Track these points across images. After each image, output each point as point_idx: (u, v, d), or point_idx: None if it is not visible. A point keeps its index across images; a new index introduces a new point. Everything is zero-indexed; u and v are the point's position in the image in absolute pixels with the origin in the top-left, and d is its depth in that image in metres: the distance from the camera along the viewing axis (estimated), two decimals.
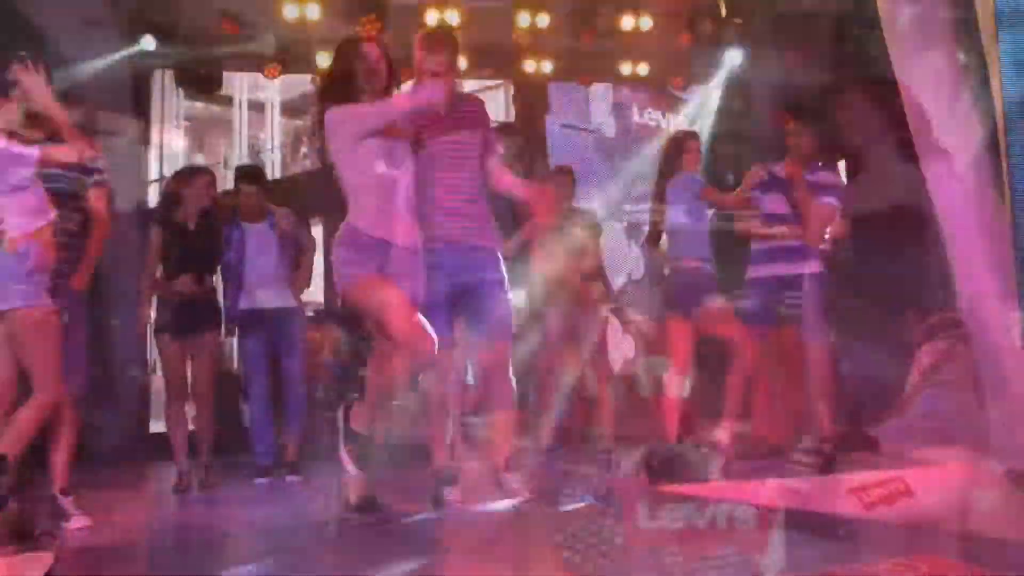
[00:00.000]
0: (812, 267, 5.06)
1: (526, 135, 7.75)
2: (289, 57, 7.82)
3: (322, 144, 3.74)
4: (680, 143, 5.25)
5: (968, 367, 5.29)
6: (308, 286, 5.79)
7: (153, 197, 7.73)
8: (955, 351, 5.48)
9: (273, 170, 9.46)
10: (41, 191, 3.72)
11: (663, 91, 8.93)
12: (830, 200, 5.09)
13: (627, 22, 8.03)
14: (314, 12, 7.47)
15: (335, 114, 3.63)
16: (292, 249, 5.54)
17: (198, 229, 5.25)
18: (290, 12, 7.43)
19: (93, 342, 4.76)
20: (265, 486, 5.24)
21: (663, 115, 9.12)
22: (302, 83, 10.10)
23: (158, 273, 5.25)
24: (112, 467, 6.01)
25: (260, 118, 10.32)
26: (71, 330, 4.01)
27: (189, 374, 5.28)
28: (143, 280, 5.27)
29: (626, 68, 8.40)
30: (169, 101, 9.64)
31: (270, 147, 10.05)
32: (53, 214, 3.75)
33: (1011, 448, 4.25)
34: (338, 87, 3.70)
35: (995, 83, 4.55)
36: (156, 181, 8.64)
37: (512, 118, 8.85)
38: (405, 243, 3.69)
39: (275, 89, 10.17)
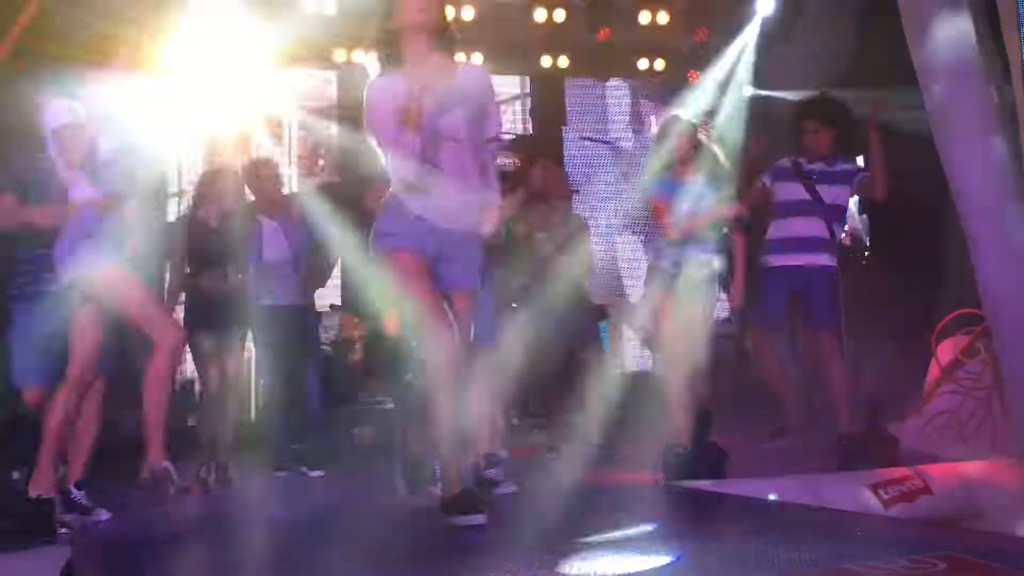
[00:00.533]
0: (825, 260, 5.01)
1: (543, 146, 7.80)
2: (307, 52, 7.83)
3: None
4: (664, 129, 4.80)
5: (989, 364, 5.25)
6: (322, 285, 5.82)
7: (171, 210, 7.77)
8: (975, 348, 5.44)
9: (290, 183, 9.54)
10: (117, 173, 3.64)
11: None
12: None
13: (644, 16, 8.02)
14: (331, 7, 7.50)
15: (375, 91, 3.27)
16: (309, 245, 5.56)
17: (220, 226, 5.31)
18: (308, 5, 7.47)
19: (113, 338, 4.81)
20: (283, 480, 5.26)
21: None
22: (319, 97, 10.16)
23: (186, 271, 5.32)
24: (129, 461, 6.04)
25: (276, 132, 10.42)
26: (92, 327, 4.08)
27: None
28: (171, 278, 5.33)
29: (643, 63, 8.38)
30: None
31: (288, 160, 10.12)
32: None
33: None
34: (386, 29, 3.30)
35: (1016, 80, 4.53)
36: (175, 194, 8.69)
37: (529, 130, 8.85)
38: (455, 225, 3.29)
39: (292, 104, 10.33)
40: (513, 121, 9.07)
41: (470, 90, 3.29)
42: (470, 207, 3.30)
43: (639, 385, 7.17)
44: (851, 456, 4.39)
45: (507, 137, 8.44)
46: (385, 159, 3.31)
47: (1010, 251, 4.78)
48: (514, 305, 5.44)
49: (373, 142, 3.31)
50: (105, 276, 3.47)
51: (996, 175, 4.76)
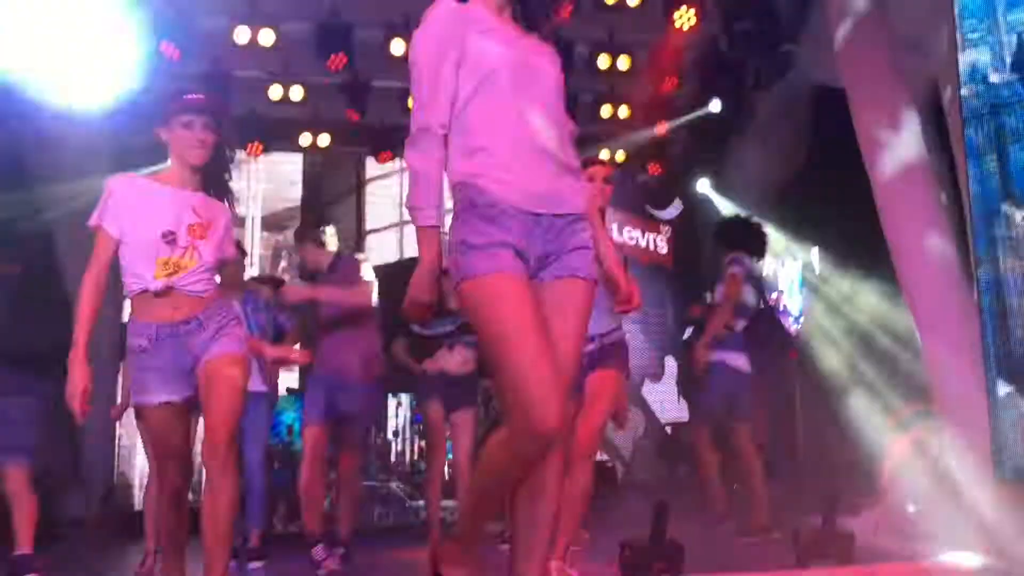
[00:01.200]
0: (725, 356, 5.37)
1: None
2: (272, 136, 7.92)
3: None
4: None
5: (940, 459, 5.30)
6: (277, 373, 5.80)
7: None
8: (927, 443, 5.50)
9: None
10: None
11: (642, 213, 9.17)
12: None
13: (605, 110, 8.23)
14: (297, 93, 7.59)
15: (447, 13, 2.37)
16: (270, 331, 5.54)
17: None
18: (274, 92, 7.55)
19: (61, 416, 4.75)
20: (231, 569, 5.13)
21: (642, 234, 9.31)
22: (283, 199, 10.30)
23: None
24: (76, 544, 5.90)
25: (240, 233, 10.50)
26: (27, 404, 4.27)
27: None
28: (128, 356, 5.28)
29: (604, 154, 8.55)
30: None
31: (251, 260, 10.20)
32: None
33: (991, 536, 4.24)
34: None
35: (961, 172, 4.69)
36: None
37: None
38: (562, 208, 2.34)
39: (256, 205, 10.44)
40: None
41: (553, 56, 2.49)
42: (572, 185, 2.41)
43: (603, 475, 7.17)
44: (807, 552, 4.38)
45: None
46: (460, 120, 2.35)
47: (957, 347, 4.87)
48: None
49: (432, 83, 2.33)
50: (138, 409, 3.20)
51: (942, 271, 4.89)
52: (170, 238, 3.02)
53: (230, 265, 5.49)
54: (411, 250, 10.78)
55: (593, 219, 2.56)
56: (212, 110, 3.11)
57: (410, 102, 7.45)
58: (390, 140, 8.06)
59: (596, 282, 2.39)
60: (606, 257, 2.82)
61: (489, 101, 2.30)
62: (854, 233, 5.77)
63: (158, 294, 3.02)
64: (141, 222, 3.02)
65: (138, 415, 3.09)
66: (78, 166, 6.33)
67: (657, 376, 8.77)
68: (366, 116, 7.64)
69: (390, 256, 10.35)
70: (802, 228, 7.33)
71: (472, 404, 5.47)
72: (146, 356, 3.03)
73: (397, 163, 10.42)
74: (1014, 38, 3.84)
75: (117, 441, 7.74)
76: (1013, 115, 3.62)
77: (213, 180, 3.16)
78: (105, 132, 6.58)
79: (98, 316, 3.09)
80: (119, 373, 5.54)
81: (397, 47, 6.85)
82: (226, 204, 3.21)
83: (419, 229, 2.34)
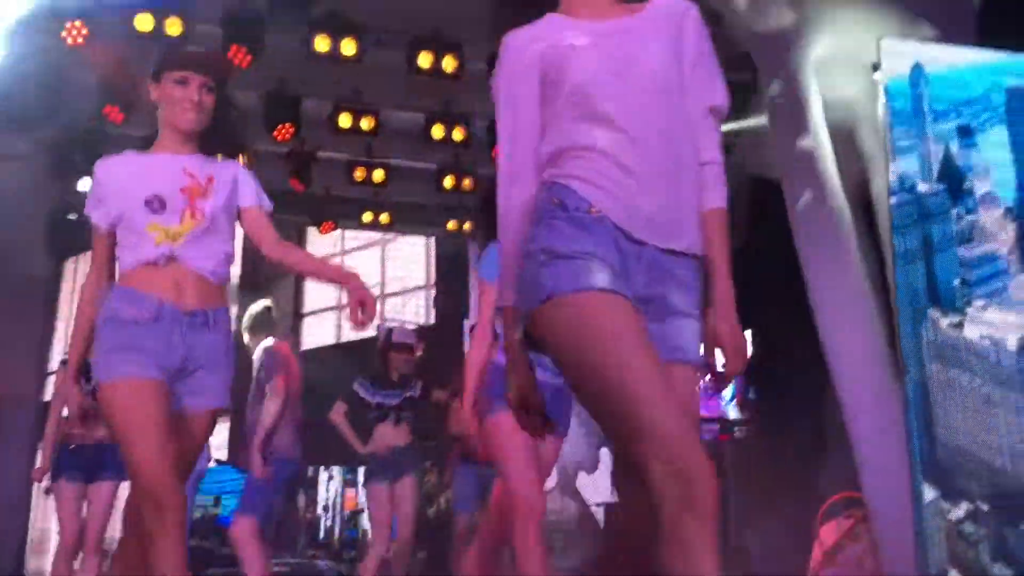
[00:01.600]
0: None
1: (447, 336, 7.99)
2: None
3: None
4: None
5: (870, 549, 5.37)
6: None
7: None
8: (857, 531, 5.56)
9: None
10: None
11: None
12: None
13: None
14: (241, 161, 7.56)
15: (519, 41, 2.01)
16: None
17: None
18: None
19: None
20: None
21: None
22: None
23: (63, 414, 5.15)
24: None
25: None
26: None
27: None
28: (48, 423, 5.18)
29: None
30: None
31: None
32: None
33: None
34: None
35: (890, 277, 4.85)
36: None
37: (432, 320, 9.03)
38: (675, 242, 1.87)
39: None
40: (415, 310, 9.25)
41: (668, 23, 1.97)
42: (691, 207, 1.93)
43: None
44: None
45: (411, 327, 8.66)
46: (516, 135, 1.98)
47: (884, 435, 4.96)
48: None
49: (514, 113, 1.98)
50: (110, 388, 2.49)
51: (872, 374, 4.99)
52: (155, 204, 2.57)
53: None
54: (349, 334, 10.74)
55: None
56: (214, 69, 2.68)
57: (356, 173, 7.59)
58: (333, 211, 8.06)
59: (698, 367, 1.89)
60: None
61: (579, 118, 1.89)
62: (788, 318, 5.88)
63: (158, 265, 2.55)
64: (124, 195, 2.60)
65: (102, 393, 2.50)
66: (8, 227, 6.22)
67: (591, 468, 8.74)
68: (311, 186, 7.64)
69: (328, 339, 10.21)
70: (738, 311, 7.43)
71: (413, 472, 5.44)
72: (140, 332, 2.48)
73: (338, 238, 10.34)
74: (941, 148, 4.01)
75: (32, 509, 7.48)
76: (939, 224, 3.77)
77: (214, 145, 2.72)
78: (40, 201, 6.48)
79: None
80: (38, 449, 5.39)
81: (344, 120, 6.88)
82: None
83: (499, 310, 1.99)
